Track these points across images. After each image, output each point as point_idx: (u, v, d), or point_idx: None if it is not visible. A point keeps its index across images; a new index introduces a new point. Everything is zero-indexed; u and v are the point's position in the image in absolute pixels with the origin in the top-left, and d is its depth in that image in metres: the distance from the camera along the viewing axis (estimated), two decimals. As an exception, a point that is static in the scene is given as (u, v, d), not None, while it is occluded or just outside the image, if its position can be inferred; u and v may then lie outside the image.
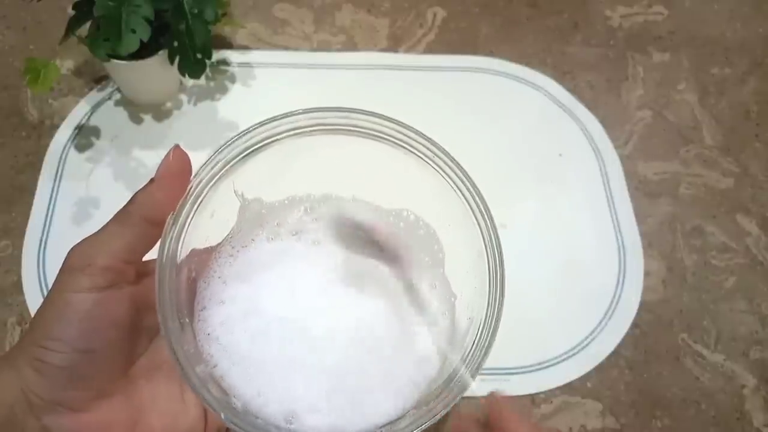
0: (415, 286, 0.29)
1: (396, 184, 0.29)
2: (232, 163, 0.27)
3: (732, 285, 0.61)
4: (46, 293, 0.55)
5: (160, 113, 0.67)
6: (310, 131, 0.27)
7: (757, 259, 0.63)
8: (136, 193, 0.25)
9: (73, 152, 0.64)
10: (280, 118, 0.27)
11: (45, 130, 0.65)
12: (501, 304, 0.26)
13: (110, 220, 0.25)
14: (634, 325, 0.58)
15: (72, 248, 0.25)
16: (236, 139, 0.26)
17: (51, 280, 0.56)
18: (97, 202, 0.61)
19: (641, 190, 0.66)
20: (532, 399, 0.54)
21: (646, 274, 0.61)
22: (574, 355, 0.56)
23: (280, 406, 0.25)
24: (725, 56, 0.77)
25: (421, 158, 0.28)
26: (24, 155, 0.63)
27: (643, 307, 0.59)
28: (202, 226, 0.27)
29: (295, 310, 0.27)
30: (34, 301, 0.55)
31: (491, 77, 0.73)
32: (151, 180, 0.25)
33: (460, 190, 0.27)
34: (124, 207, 0.25)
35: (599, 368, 0.56)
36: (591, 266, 0.61)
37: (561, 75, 0.74)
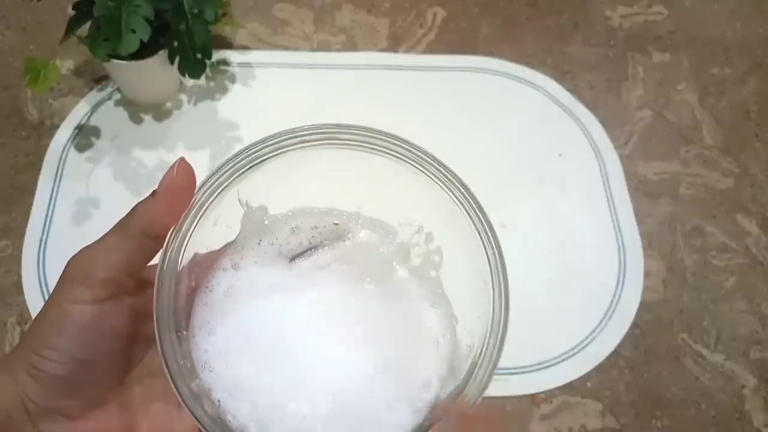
0: (415, 305, 0.28)
1: (402, 201, 0.29)
2: (237, 174, 0.26)
3: (732, 285, 0.61)
4: (46, 293, 0.55)
5: (160, 113, 0.67)
6: (318, 144, 0.27)
7: (757, 259, 0.63)
8: (137, 206, 0.25)
9: (73, 152, 0.64)
10: (288, 134, 0.27)
11: (45, 130, 0.65)
12: (503, 338, 0.25)
13: (110, 231, 0.25)
14: (634, 325, 0.58)
15: (72, 258, 0.25)
16: (242, 152, 0.26)
17: (51, 280, 0.56)
18: (97, 202, 0.61)
19: (641, 190, 0.66)
20: (532, 399, 0.54)
21: (646, 274, 0.61)
22: (574, 355, 0.56)
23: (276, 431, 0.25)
24: (725, 56, 0.77)
25: (431, 179, 0.28)
26: (24, 155, 0.63)
27: (643, 307, 0.59)
28: (205, 234, 0.26)
29: (293, 335, 0.27)
30: (34, 301, 0.55)
31: (491, 77, 0.73)
32: (153, 192, 0.24)
33: (470, 216, 0.27)
34: (125, 218, 0.25)
35: (599, 368, 0.56)
36: (591, 266, 0.61)
37: (561, 75, 0.74)
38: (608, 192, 0.66)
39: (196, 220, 0.26)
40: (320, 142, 0.27)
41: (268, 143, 0.27)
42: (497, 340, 0.25)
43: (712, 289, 0.61)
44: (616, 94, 0.73)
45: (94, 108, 0.67)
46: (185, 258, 0.26)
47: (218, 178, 0.26)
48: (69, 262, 0.25)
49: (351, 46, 0.74)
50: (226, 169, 0.26)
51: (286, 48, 0.73)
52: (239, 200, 0.28)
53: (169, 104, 0.67)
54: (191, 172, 0.25)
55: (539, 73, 0.74)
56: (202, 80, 0.68)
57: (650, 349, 0.57)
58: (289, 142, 0.27)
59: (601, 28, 0.78)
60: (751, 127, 0.72)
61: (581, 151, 0.69)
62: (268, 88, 0.70)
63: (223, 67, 0.70)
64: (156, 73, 0.63)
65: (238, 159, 0.26)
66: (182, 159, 0.25)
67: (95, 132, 0.65)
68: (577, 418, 0.54)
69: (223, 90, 0.69)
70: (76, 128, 0.65)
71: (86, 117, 0.66)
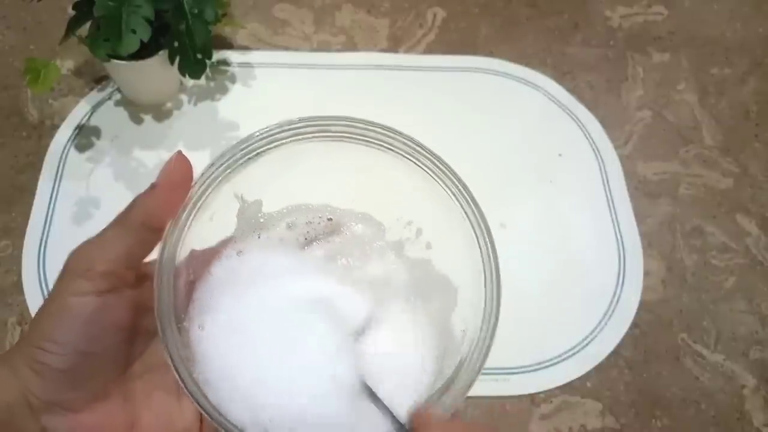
0: (407, 295, 0.29)
1: (395, 193, 0.29)
2: (233, 167, 0.27)
3: (732, 285, 0.61)
4: (46, 293, 0.55)
5: (160, 113, 0.67)
6: (311, 137, 0.28)
7: (757, 259, 0.63)
8: (136, 198, 0.25)
9: (73, 152, 0.64)
10: (283, 126, 0.27)
11: (45, 130, 0.65)
12: (495, 322, 0.26)
13: (110, 224, 0.25)
14: (634, 325, 0.58)
15: (72, 251, 0.25)
16: (238, 145, 0.26)
17: (51, 280, 0.56)
18: (97, 202, 0.61)
19: (641, 190, 0.66)
20: (532, 399, 0.54)
21: (646, 274, 0.61)
22: (574, 355, 0.56)
23: (273, 423, 0.25)
24: (725, 56, 0.77)
25: (425, 171, 0.28)
26: (24, 155, 0.63)
27: (643, 307, 0.59)
28: (202, 228, 0.27)
29: (291, 322, 0.27)
30: (34, 301, 0.55)
31: (491, 77, 0.73)
32: (152, 185, 0.25)
33: (462, 207, 0.27)
34: (124, 212, 0.25)
35: (599, 368, 0.56)
36: (591, 266, 0.61)
37: (561, 75, 0.74)
38: (608, 192, 0.66)
39: (193, 213, 0.26)
40: (314, 135, 0.27)
41: (263, 136, 0.27)
42: (490, 324, 0.26)
43: (712, 289, 0.61)
44: (616, 94, 0.73)
45: (95, 108, 0.67)
46: (183, 252, 0.26)
47: (214, 172, 0.26)
48: (69, 256, 0.25)
49: (351, 46, 0.74)
50: (222, 162, 0.26)
51: (286, 48, 0.73)
52: (235, 194, 0.28)
53: (169, 104, 0.67)
54: (189, 165, 0.25)
55: (539, 73, 0.74)
56: (203, 80, 0.68)
57: (650, 349, 0.57)
58: (284, 135, 0.27)
59: (601, 28, 0.78)
60: (751, 127, 0.72)
61: (581, 151, 0.69)
62: (268, 88, 0.70)
63: (223, 68, 0.70)
64: (156, 73, 0.63)
65: (233, 152, 0.26)
66: (179, 152, 0.25)
67: (95, 132, 0.65)
68: (577, 418, 0.54)
69: (223, 90, 0.69)
70: (76, 128, 0.65)
71: (86, 117, 0.66)
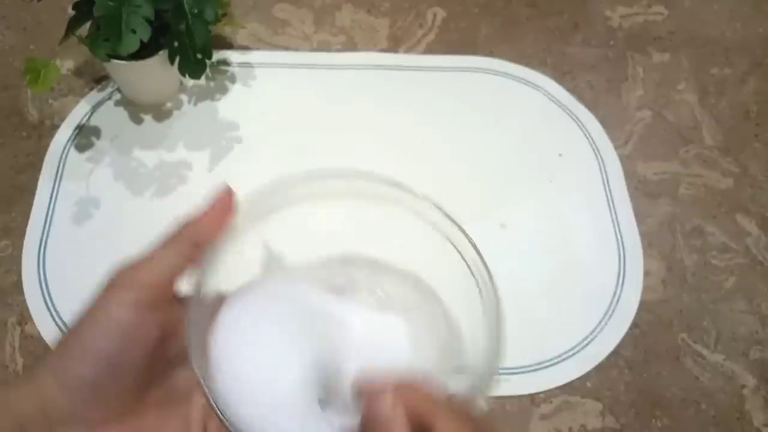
0: (415, 336, 0.29)
1: (407, 248, 0.30)
2: (267, 211, 0.29)
3: (732, 285, 0.61)
4: (46, 293, 0.56)
5: (160, 113, 0.67)
6: (344, 196, 0.29)
7: (757, 259, 0.63)
8: (187, 217, 0.27)
9: (73, 152, 0.64)
10: (314, 178, 0.28)
11: (45, 130, 0.65)
12: (497, 363, 0.26)
13: (158, 243, 0.27)
14: (634, 325, 0.58)
15: (117, 269, 0.26)
16: (273, 190, 0.28)
17: (51, 280, 0.56)
18: (97, 202, 0.61)
19: (641, 190, 0.66)
20: (532, 399, 0.54)
21: (646, 274, 0.61)
22: (574, 355, 0.56)
23: None
24: (725, 56, 0.77)
25: (446, 240, 0.29)
26: (24, 155, 0.63)
27: (643, 307, 0.59)
28: (230, 266, 0.28)
29: (307, 356, 0.27)
30: (34, 301, 0.55)
31: (491, 77, 0.73)
32: (202, 209, 0.28)
33: (473, 274, 0.28)
34: (173, 228, 0.27)
35: (599, 368, 0.56)
36: (591, 266, 0.61)
37: (561, 75, 0.74)
38: (608, 192, 0.66)
39: (224, 251, 0.27)
40: (346, 195, 0.29)
41: (294, 187, 0.29)
42: (492, 368, 0.26)
43: (712, 289, 0.61)
44: (616, 94, 0.73)
45: (94, 108, 0.67)
46: (210, 287, 0.27)
47: (253, 211, 0.28)
48: (114, 272, 0.26)
49: (351, 46, 0.74)
50: (255, 205, 0.28)
51: (286, 48, 0.73)
52: (263, 242, 0.30)
53: (169, 104, 0.67)
54: (233, 195, 0.28)
55: (539, 73, 0.74)
56: (203, 80, 0.68)
57: (650, 349, 0.57)
58: (315, 191, 0.29)
59: (601, 28, 0.78)
60: (751, 127, 0.72)
61: (581, 151, 0.69)
62: (268, 88, 0.70)
63: (223, 67, 0.70)
64: (156, 73, 0.63)
65: (268, 197, 0.28)
66: (226, 184, 0.28)
67: (95, 132, 0.65)
68: (577, 417, 0.54)
69: (223, 90, 0.69)
70: (76, 128, 0.65)
71: (86, 117, 0.66)
